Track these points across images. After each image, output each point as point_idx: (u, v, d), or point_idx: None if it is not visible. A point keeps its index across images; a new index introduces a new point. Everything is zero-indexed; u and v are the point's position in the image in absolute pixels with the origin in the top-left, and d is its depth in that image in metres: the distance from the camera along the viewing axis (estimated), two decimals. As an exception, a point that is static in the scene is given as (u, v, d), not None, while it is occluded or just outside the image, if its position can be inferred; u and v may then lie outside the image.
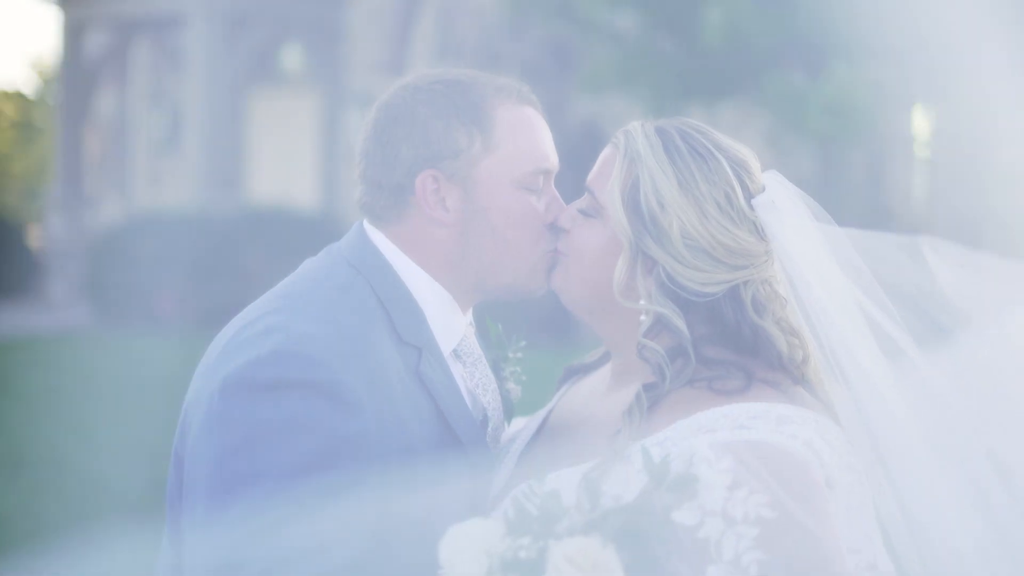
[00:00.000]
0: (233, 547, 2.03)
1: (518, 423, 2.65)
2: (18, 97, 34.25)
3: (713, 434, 2.04)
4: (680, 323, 2.19)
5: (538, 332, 13.47)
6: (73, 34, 21.06)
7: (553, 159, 2.40)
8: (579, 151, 2.65)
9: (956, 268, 2.26)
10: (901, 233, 2.37)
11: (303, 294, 2.27)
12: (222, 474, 2.07)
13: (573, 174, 2.37)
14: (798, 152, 15.00)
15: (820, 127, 10.41)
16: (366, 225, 2.40)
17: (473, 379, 2.42)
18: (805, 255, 2.21)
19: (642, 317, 2.24)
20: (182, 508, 2.20)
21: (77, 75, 20.95)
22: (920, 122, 16.81)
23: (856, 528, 2.09)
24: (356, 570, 2.08)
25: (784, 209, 2.23)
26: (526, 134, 2.35)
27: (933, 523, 2.12)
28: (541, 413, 2.58)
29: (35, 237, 25.15)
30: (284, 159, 21.27)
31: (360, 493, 2.09)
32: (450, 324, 2.37)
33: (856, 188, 16.22)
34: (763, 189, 2.26)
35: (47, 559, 6.90)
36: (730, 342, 2.23)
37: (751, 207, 2.23)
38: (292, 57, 21.50)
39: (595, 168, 2.35)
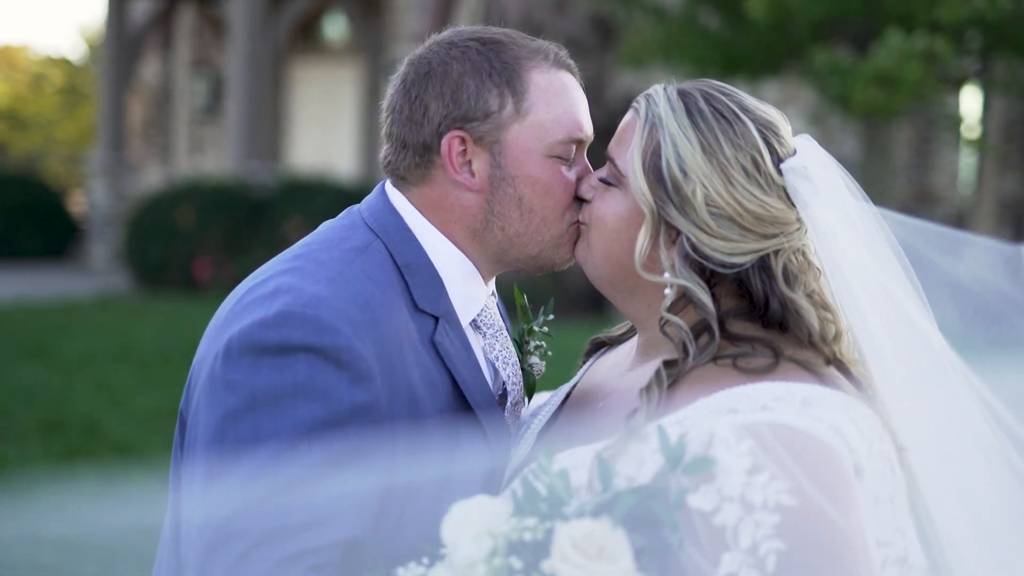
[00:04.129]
0: (230, 515, 1.95)
1: (542, 397, 2.57)
2: (64, 63, 34.45)
3: (734, 415, 1.92)
4: (705, 297, 2.08)
5: (573, 305, 13.38)
6: (118, 1, 21.08)
7: (587, 128, 2.29)
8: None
9: None
10: (946, 216, 2.27)
11: (316, 255, 2.17)
12: (222, 439, 1.99)
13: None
14: (843, 132, 14.80)
15: (866, 99, 10.20)
16: (388, 187, 2.31)
17: (493, 351, 2.33)
18: (837, 225, 2.09)
19: (666, 291, 2.13)
20: (183, 470, 2.13)
21: (122, 42, 20.98)
22: (969, 103, 16.55)
23: (886, 519, 1.97)
24: (358, 545, 2.00)
25: (816, 175, 2.11)
26: (560, 100, 2.24)
27: (941, 518, 2.02)
28: (565, 387, 2.49)
29: (77, 203, 25.31)
30: (325, 129, 21.24)
31: (365, 466, 2.01)
32: (470, 293, 2.28)
33: (902, 169, 16.00)
34: (794, 153, 2.15)
35: (78, 524, 6.91)
36: (758, 317, 2.12)
37: (780, 172, 2.11)
38: (335, 27, 21.43)
39: (616, 135, 2.24)
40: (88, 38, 35.01)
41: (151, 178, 22.40)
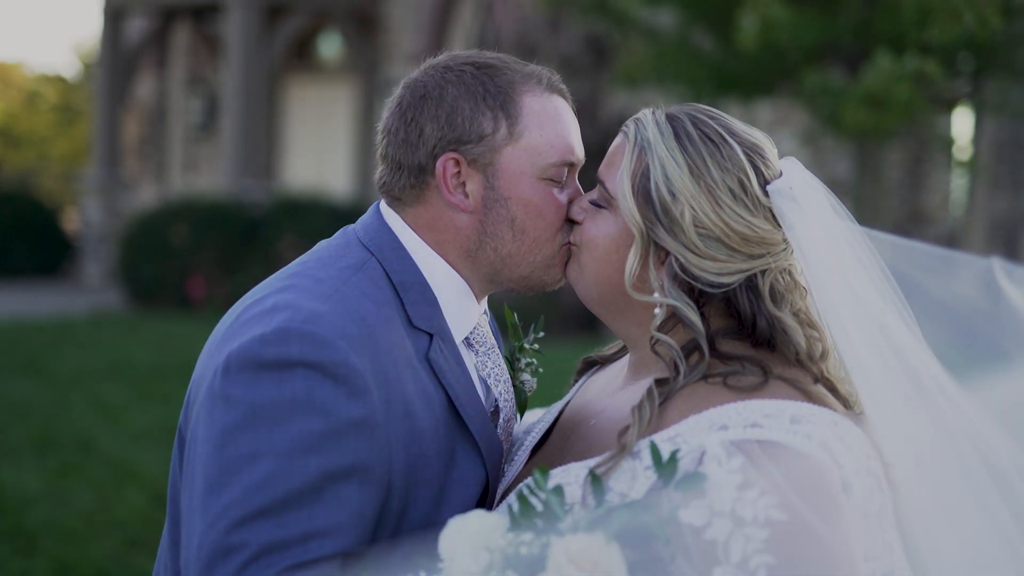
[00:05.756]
0: (229, 528, 1.98)
1: (535, 414, 2.60)
2: (58, 81, 34.49)
3: (725, 432, 1.97)
4: (694, 316, 2.13)
5: (566, 324, 13.41)
6: (113, 19, 21.13)
7: (579, 152, 2.34)
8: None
9: None
10: (938, 236, 2.31)
11: (313, 273, 2.22)
12: (222, 453, 2.02)
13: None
14: (835, 153, 14.85)
15: (858, 120, 10.26)
16: (383, 207, 2.35)
17: (485, 368, 2.37)
18: (822, 244, 2.14)
19: (656, 310, 2.18)
20: (182, 486, 2.16)
21: (117, 60, 21.03)
22: (961, 124, 16.63)
23: (873, 534, 2.02)
24: (355, 557, 2.03)
25: (801, 195, 2.16)
26: (552, 124, 2.29)
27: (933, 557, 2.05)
28: (558, 405, 2.53)
29: (71, 220, 25.30)
30: (320, 147, 21.29)
31: (363, 479, 2.05)
32: (464, 312, 2.32)
33: (894, 190, 16.06)
34: (780, 174, 2.20)
35: (72, 541, 6.91)
36: (747, 336, 2.17)
37: (766, 193, 2.16)
38: (330, 46, 21.49)
39: (606, 158, 2.29)
40: (82, 56, 35.06)
41: (145, 196, 22.42)
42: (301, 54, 21.40)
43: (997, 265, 2.21)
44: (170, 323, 16.26)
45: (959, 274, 2.22)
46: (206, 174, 22.06)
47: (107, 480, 8.22)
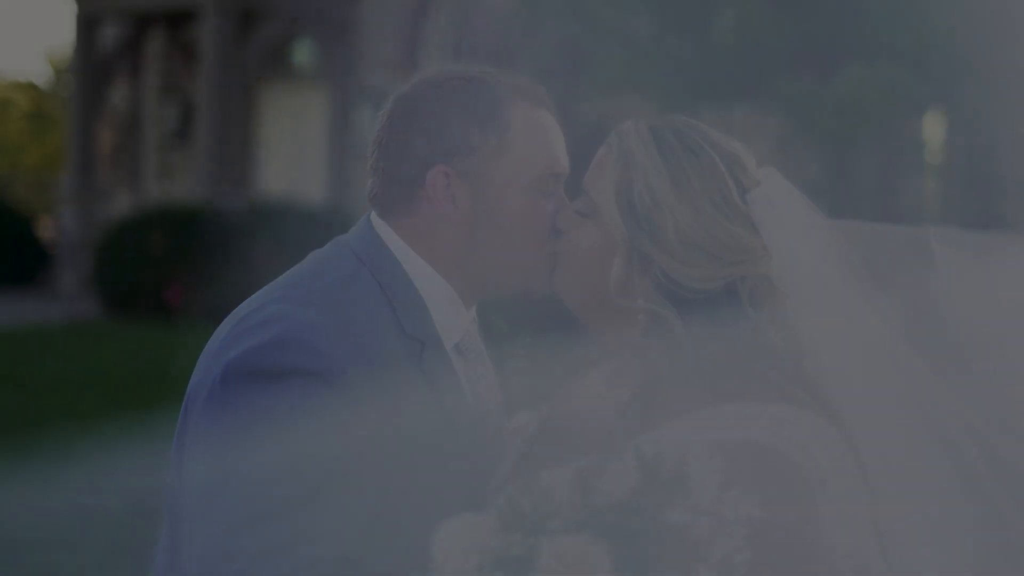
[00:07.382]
0: (228, 533, 2.03)
1: (523, 417, 2.66)
2: (31, 88, 34.39)
3: (707, 433, 2.04)
4: (677, 322, 2.20)
5: (552, 329, 13.49)
6: (87, 26, 21.09)
7: (564, 163, 2.41)
8: (589, 152, 2.66)
9: (962, 256, 2.25)
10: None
11: (307, 283, 2.28)
12: (221, 459, 2.08)
13: (583, 175, 2.39)
14: (809, 157, 14.96)
15: (831, 128, 10.37)
16: (373, 218, 2.41)
17: (475, 374, 2.43)
18: (800, 251, 2.22)
19: (640, 316, 2.24)
20: (181, 493, 2.21)
21: (90, 67, 20.99)
22: (932, 128, 16.77)
23: (850, 531, 2.08)
24: (349, 561, 2.09)
25: (779, 203, 2.23)
26: (539, 137, 2.37)
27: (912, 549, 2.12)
28: (545, 408, 2.58)
29: (46, 228, 25.19)
30: (295, 154, 21.28)
31: (358, 483, 2.10)
32: (454, 319, 2.38)
33: (867, 194, 16.18)
34: (758, 184, 2.27)
35: (49, 548, 6.91)
36: (728, 340, 2.23)
37: (745, 202, 2.23)
38: (304, 52, 21.50)
39: (590, 169, 2.36)
40: (55, 63, 34.93)
41: (120, 203, 22.34)
42: (276, 61, 21.39)
43: (933, 235, 2.28)
44: (147, 331, 16.22)
45: (902, 250, 2.29)
46: (181, 182, 22.00)
47: (85, 489, 8.22)
